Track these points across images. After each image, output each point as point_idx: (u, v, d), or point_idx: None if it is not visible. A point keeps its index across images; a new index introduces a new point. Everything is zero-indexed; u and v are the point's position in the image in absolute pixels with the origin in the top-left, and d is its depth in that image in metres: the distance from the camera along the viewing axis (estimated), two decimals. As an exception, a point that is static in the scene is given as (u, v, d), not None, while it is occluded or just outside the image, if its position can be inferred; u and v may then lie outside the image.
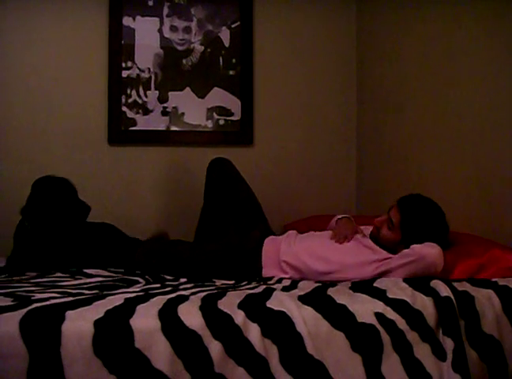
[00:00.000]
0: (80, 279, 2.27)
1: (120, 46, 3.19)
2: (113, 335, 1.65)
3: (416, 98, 3.03)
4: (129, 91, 3.20)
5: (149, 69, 3.24)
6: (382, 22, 3.31)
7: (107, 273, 2.39)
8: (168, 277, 2.34)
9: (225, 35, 3.34)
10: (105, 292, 1.99)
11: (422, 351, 1.89)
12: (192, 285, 2.16)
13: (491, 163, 2.52)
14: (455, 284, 2.05)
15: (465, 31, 2.67)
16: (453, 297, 1.97)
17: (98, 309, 1.73)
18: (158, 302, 1.82)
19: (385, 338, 1.85)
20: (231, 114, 3.33)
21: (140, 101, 3.22)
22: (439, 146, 2.86)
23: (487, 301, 2.04)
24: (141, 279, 2.27)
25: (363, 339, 1.83)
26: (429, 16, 2.91)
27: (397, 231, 2.34)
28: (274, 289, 2.04)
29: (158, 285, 2.16)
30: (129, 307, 1.76)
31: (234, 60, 3.33)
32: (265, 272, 2.39)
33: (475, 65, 2.61)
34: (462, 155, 2.69)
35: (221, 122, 3.32)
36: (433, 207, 2.39)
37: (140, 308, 1.76)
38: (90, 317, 1.68)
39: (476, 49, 2.60)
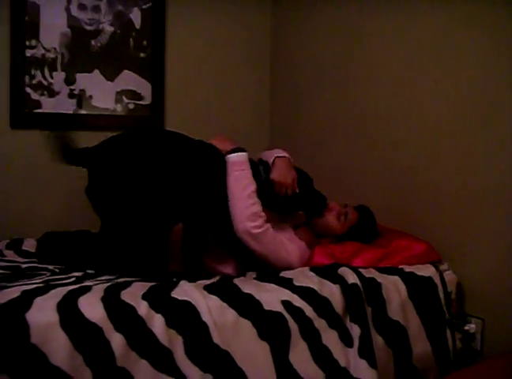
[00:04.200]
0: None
1: (23, 23, 3.00)
2: (6, 331, 1.56)
3: (330, 85, 3.05)
4: (33, 72, 3.03)
5: (55, 48, 3.08)
6: (296, 9, 3.30)
7: (14, 263, 2.28)
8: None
9: (136, 17, 3.21)
10: (3, 284, 1.88)
11: (330, 338, 1.91)
12: (100, 276, 2.07)
13: (403, 156, 2.56)
14: (362, 271, 2.08)
15: (379, 20, 2.69)
16: (360, 284, 1.99)
17: (-10, 303, 1.63)
18: (58, 293, 1.74)
19: (293, 325, 1.85)
20: (142, 98, 3.22)
21: (45, 82, 3.06)
22: (353, 137, 2.88)
23: (393, 287, 2.09)
24: (45, 271, 2.17)
25: (270, 327, 1.82)
26: (343, 6, 2.92)
27: (345, 227, 2.34)
28: (180, 279, 1.99)
29: (62, 276, 2.06)
30: (25, 300, 1.67)
31: (145, 42, 3.22)
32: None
33: (393, 56, 2.64)
34: (377, 148, 2.73)
35: (131, 106, 3.21)
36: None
37: (37, 301, 1.68)
38: (-20, 312, 1.58)
39: (393, 37, 2.64)
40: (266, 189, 2.24)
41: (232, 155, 2.19)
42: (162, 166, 2.12)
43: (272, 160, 2.31)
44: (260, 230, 2.13)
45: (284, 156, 2.33)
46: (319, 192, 2.36)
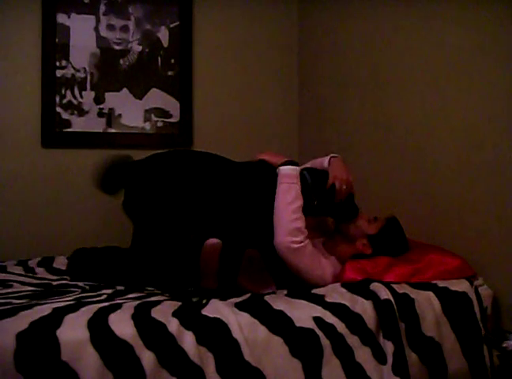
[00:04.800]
0: (11, 286, 2.16)
1: (54, 45, 3.07)
2: (37, 348, 1.56)
3: (357, 98, 3.03)
4: (63, 92, 3.08)
5: (85, 68, 3.13)
6: (323, 21, 3.31)
7: (45, 281, 2.29)
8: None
9: (164, 35, 3.26)
10: (34, 301, 1.88)
11: (363, 355, 1.87)
12: (130, 294, 2.06)
13: (435, 168, 2.52)
14: (395, 287, 2.04)
15: (409, 28, 2.67)
16: (393, 300, 1.95)
17: (22, 321, 1.63)
18: (88, 311, 1.73)
19: (325, 342, 1.82)
20: (170, 116, 3.25)
21: (75, 102, 3.11)
22: (381, 150, 2.86)
23: (426, 303, 2.04)
24: (76, 288, 2.17)
25: (302, 344, 1.79)
26: (369, 14, 2.91)
27: (375, 227, 2.32)
28: (210, 298, 1.97)
29: (93, 293, 2.06)
30: (56, 317, 1.67)
31: (172, 60, 3.26)
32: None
33: (416, 61, 2.62)
34: (406, 159, 2.69)
35: (160, 124, 3.24)
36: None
37: (68, 318, 1.67)
38: (12, 329, 1.58)
39: (414, 45, 2.62)
40: (323, 198, 2.23)
41: (284, 167, 2.20)
42: (202, 184, 2.13)
43: (327, 160, 2.34)
44: (299, 246, 2.11)
45: (339, 156, 2.37)
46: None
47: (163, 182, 2.12)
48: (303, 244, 2.12)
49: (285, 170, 2.19)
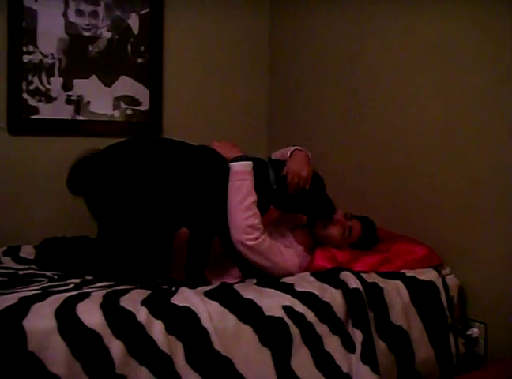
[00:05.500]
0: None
1: (21, 29, 2.98)
2: (3, 338, 1.53)
3: (327, 89, 3.04)
4: (30, 78, 3.01)
5: (53, 54, 3.06)
6: (294, 12, 3.29)
7: (11, 270, 2.25)
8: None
9: (134, 22, 3.20)
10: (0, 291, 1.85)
11: (332, 344, 1.89)
12: (99, 283, 2.04)
13: (404, 158, 2.54)
14: (364, 276, 2.06)
15: (377, 22, 2.69)
16: (362, 289, 1.97)
17: (-13, 311, 1.60)
18: (55, 300, 1.71)
19: (295, 331, 1.83)
20: (140, 104, 3.21)
21: (43, 88, 3.04)
22: (352, 140, 2.87)
23: (395, 292, 2.07)
24: (43, 278, 2.14)
25: (271, 332, 1.80)
26: (342, 9, 2.92)
27: (346, 242, 2.30)
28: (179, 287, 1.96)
29: (60, 282, 2.03)
30: (23, 307, 1.64)
31: (143, 48, 3.21)
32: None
33: (391, 53, 2.64)
34: (376, 149, 2.71)
35: (129, 112, 3.19)
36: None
37: (35, 307, 1.65)
38: (-23, 319, 1.55)
39: (391, 38, 2.63)
40: (278, 186, 2.18)
41: (236, 163, 2.13)
42: (163, 172, 2.10)
43: (290, 153, 2.28)
44: (255, 242, 2.08)
45: (302, 150, 2.31)
46: (330, 199, 2.27)
47: (125, 173, 2.08)
48: (258, 240, 2.09)
49: (236, 166, 2.12)
